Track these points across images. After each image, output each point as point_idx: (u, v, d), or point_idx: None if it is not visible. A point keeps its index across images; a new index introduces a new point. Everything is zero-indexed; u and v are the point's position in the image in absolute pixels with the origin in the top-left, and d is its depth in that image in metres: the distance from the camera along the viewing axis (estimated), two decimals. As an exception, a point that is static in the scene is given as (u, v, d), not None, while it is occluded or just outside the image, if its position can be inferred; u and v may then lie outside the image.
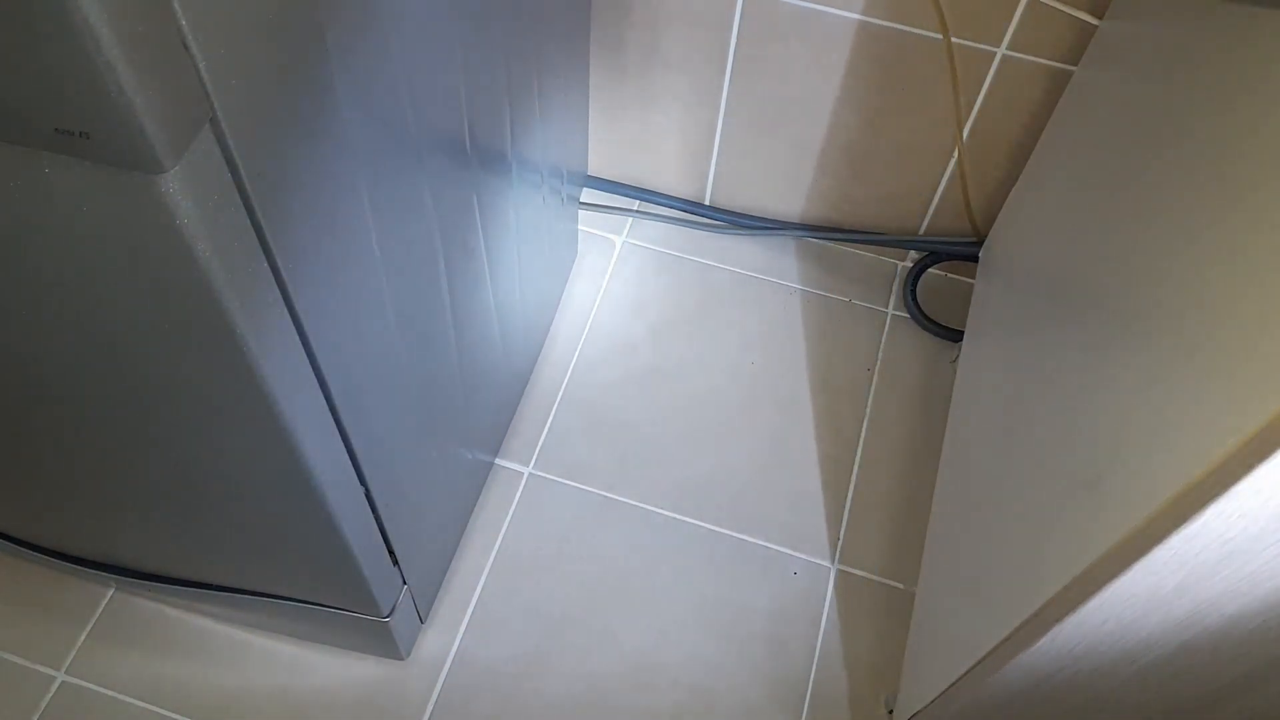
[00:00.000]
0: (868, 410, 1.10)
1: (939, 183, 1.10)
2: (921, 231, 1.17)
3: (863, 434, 1.08)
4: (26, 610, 0.95)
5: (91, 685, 0.92)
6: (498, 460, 1.05)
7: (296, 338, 0.51)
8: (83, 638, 0.94)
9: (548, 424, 1.07)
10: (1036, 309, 0.81)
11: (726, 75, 1.05)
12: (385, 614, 0.81)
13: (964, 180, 1.09)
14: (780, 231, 1.20)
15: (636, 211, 1.23)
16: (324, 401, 0.56)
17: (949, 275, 1.20)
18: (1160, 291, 0.55)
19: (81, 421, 0.58)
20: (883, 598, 0.99)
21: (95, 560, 0.83)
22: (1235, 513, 0.43)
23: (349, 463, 0.63)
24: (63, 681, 0.92)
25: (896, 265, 1.21)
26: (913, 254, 1.21)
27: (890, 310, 1.17)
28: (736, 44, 1.01)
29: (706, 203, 1.22)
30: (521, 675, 0.93)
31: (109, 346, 0.49)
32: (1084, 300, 0.68)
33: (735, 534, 1.02)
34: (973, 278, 1.18)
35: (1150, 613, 0.51)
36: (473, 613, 0.96)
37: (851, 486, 1.05)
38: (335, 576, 0.74)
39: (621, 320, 1.15)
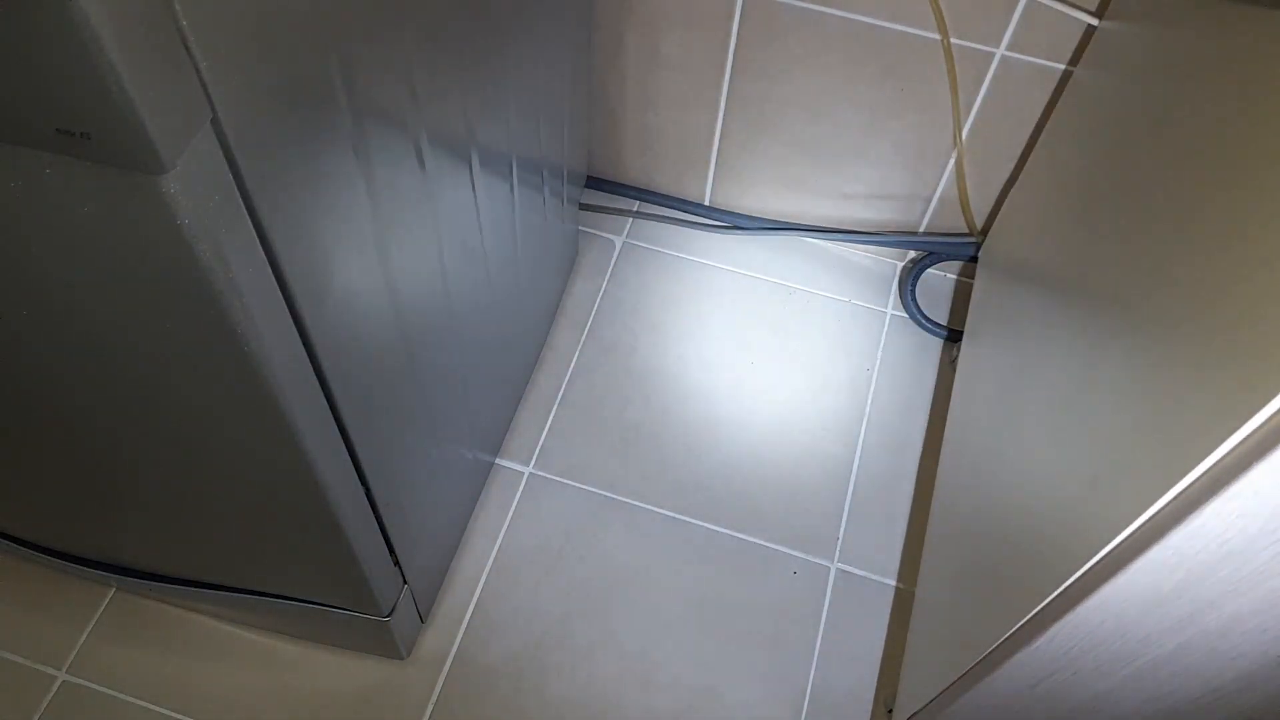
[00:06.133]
0: (868, 410, 1.10)
1: (939, 183, 1.10)
2: (921, 231, 1.17)
3: (862, 434, 1.08)
4: (27, 610, 0.95)
5: (92, 685, 0.92)
6: (498, 460, 1.05)
7: (298, 337, 0.51)
8: (84, 637, 0.94)
9: (548, 424, 1.08)
10: (1036, 309, 0.81)
11: (726, 75, 1.05)
12: (385, 614, 0.81)
13: (963, 180, 1.09)
14: (780, 231, 1.20)
15: (636, 212, 1.23)
16: (325, 401, 0.56)
17: (949, 275, 1.20)
18: (1159, 291, 0.55)
19: (82, 421, 0.58)
20: (883, 598, 0.99)
21: (96, 560, 0.83)
22: (1233, 512, 0.43)
23: (350, 462, 0.63)
24: (64, 681, 0.92)
25: (896, 265, 1.21)
26: (912, 254, 1.21)
27: (890, 310, 1.17)
28: (736, 44, 1.01)
29: (706, 203, 1.22)
30: (521, 675, 0.94)
31: (109, 346, 0.49)
32: (1083, 300, 0.68)
33: (735, 534, 1.02)
34: (973, 278, 1.18)
35: (1149, 612, 0.51)
36: (473, 613, 0.96)
37: (851, 486, 1.05)
38: (336, 576, 0.74)
39: (621, 320, 1.15)
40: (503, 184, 0.78)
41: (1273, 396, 0.40)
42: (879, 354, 1.14)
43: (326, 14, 0.44)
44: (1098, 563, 0.51)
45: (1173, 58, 0.67)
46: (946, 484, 0.95)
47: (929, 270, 1.20)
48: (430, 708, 0.92)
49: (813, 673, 0.95)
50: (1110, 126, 0.76)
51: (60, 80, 0.33)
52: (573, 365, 1.12)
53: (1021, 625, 0.59)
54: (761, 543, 1.01)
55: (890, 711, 0.92)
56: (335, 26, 0.45)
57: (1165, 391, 0.50)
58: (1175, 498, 0.45)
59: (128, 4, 0.32)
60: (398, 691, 0.92)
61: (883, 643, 0.97)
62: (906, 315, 1.17)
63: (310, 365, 0.53)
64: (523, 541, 1.00)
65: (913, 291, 1.17)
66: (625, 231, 1.22)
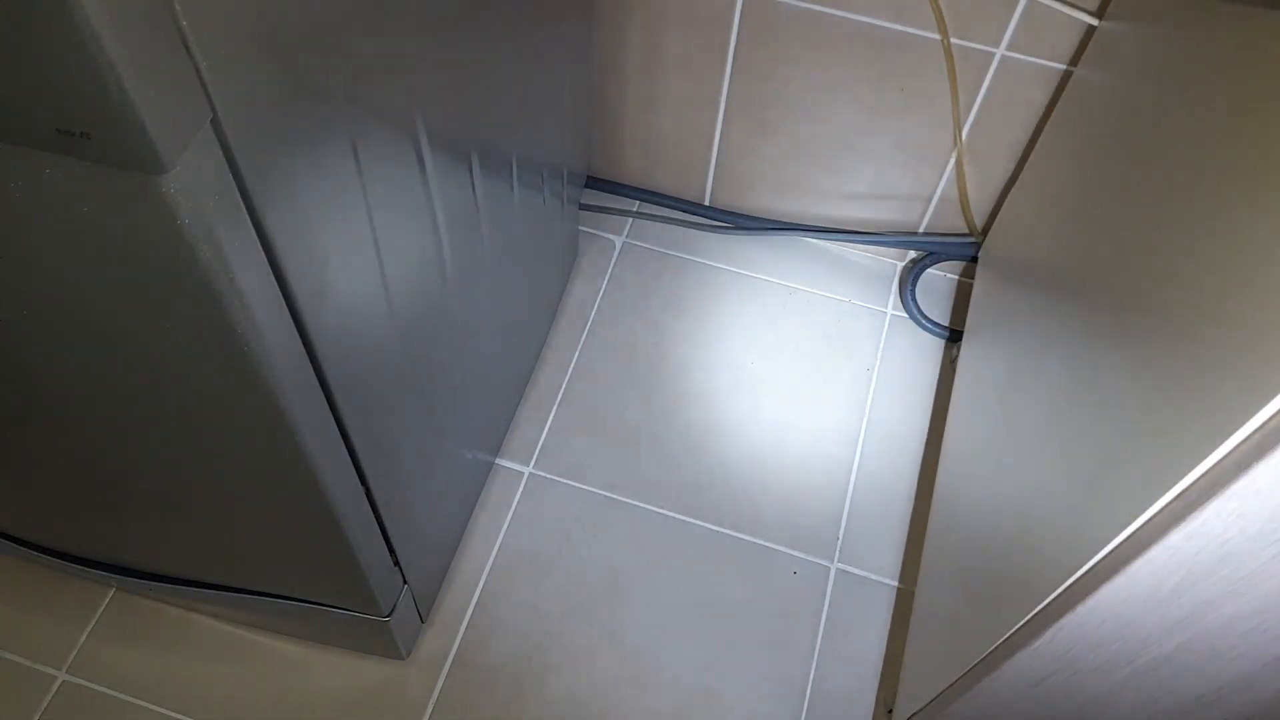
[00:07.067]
0: (868, 410, 1.10)
1: (939, 183, 1.10)
2: (921, 231, 1.17)
3: (862, 434, 1.08)
4: (28, 610, 0.95)
5: (92, 685, 0.92)
6: (498, 460, 1.05)
7: (298, 337, 0.51)
8: (84, 637, 0.94)
9: (548, 424, 1.08)
10: (1036, 309, 0.81)
11: (726, 75, 1.05)
12: (385, 614, 0.81)
13: (963, 180, 1.09)
14: (780, 231, 1.20)
15: (636, 212, 1.23)
16: (325, 401, 0.56)
17: (949, 275, 1.20)
18: (1159, 291, 0.55)
19: (82, 421, 0.58)
20: (883, 598, 0.99)
21: (96, 560, 0.83)
22: (1233, 512, 0.43)
23: (350, 462, 0.63)
24: (64, 681, 0.92)
25: (896, 265, 1.21)
26: (912, 254, 1.21)
27: (890, 310, 1.17)
28: (736, 44, 1.01)
29: (706, 203, 1.22)
30: (521, 675, 0.94)
31: (109, 346, 0.49)
32: (1083, 300, 0.68)
33: (735, 534, 1.02)
34: (973, 278, 1.18)
35: (1149, 613, 0.51)
36: (473, 613, 0.96)
37: (851, 486, 1.05)
38: (336, 576, 0.74)
39: (621, 320, 1.15)
40: (503, 184, 0.78)
41: (1273, 396, 0.40)
42: (879, 354, 1.14)
43: (327, 14, 0.44)
44: (1098, 563, 0.51)
45: (1173, 58, 0.67)
46: (946, 484, 0.95)
47: (929, 270, 1.20)
48: (430, 708, 0.92)
49: (813, 673, 0.95)
50: (1110, 126, 0.76)
51: (60, 80, 0.33)
52: (573, 365, 1.12)
53: (1021, 625, 0.59)
54: (761, 543, 1.01)
55: (890, 712, 0.92)
56: (335, 26, 0.45)
57: (1165, 391, 0.50)
58: (1175, 498, 0.45)
59: (128, 4, 0.32)
60: (398, 691, 0.92)
61: (883, 643, 0.97)
62: (906, 315, 1.17)
63: (310, 365, 0.53)
64: (523, 541, 1.00)
65: (913, 291, 1.17)
66: (625, 231, 1.22)
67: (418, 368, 0.70)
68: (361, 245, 0.55)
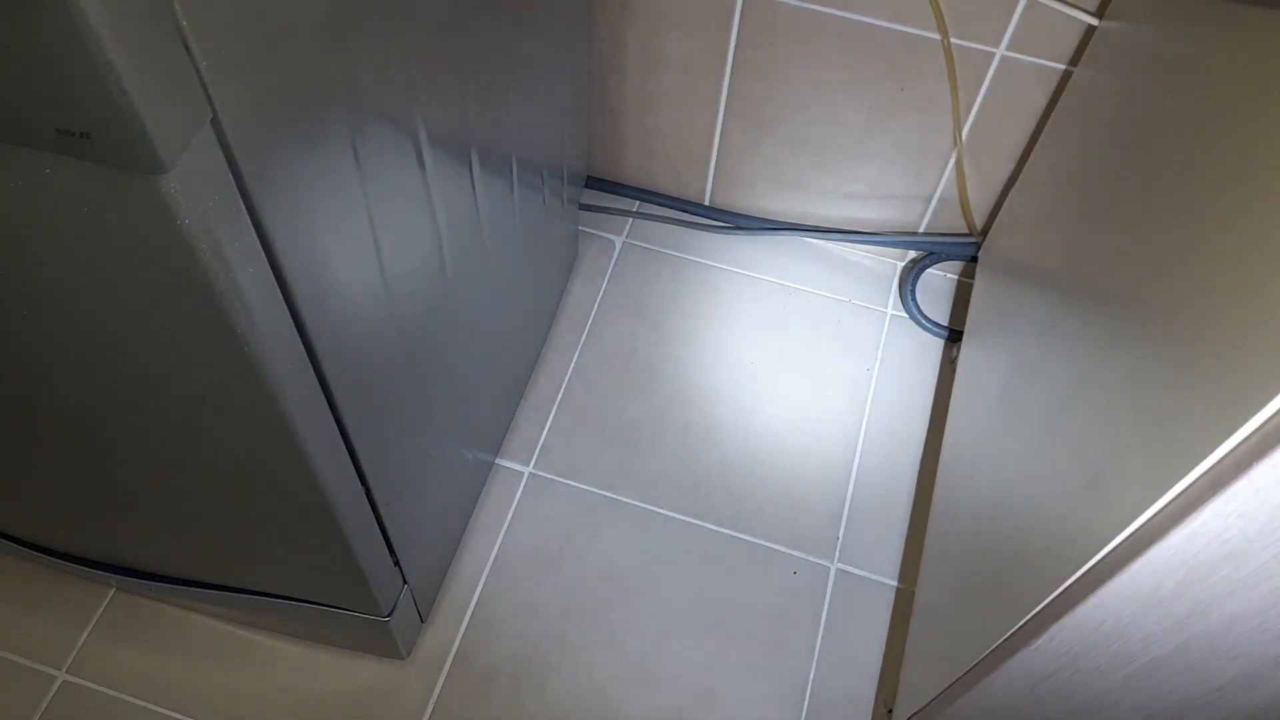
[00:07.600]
0: (868, 410, 1.10)
1: (939, 183, 1.10)
2: (921, 231, 1.17)
3: (862, 434, 1.08)
4: (28, 610, 0.95)
5: (92, 685, 0.92)
6: (498, 460, 1.05)
7: (298, 337, 0.51)
8: (84, 637, 0.94)
9: (548, 424, 1.08)
10: (1036, 309, 0.81)
11: (726, 75, 1.05)
12: (385, 613, 0.81)
13: (963, 180, 1.09)
14: (780, 231, 1.20)
15: (636, 212, 1.23)
16: (325, 401, 0.56)
17: (949, 275, 1.20)
18: (1159, 291, 0.55)
19: (83, 421, 0.58)
20: (883, 598, 0.99)
21: (96, 560, 0.83)
22: (1234, 512, 0.43)
23: (350, 462, 0.63)
24: (64, 681, 0.92)
25: (896, 265, 1.21)
26: (912, 254, 1.21)
27: (890, 310, 1.17)
28: (736, 44, 1.01)
29: (706, 203, 1.22)
30: (522, 675, 0.94)
31: (110, 346, 0.49)
32: (1083, 299, 0.68)
33: (735, 534, 1.02)
34: (973, 278, 1.18)
35: (1149, 612, 0.51)
36: (473, 613, 0.96)
37: (851, 486, 1.05)
38: (336, 576, 0.74)
39: (621, 320, 1.15)
40: (503, 184, 0.78)
41: (1273, 396, 0.40)
42: (879, 354, 1.14)
43: (326, 14, 0.44)
44: (1098, 562, 0.51)
45: (1173, 58, 0.67)
46: (946, 484, 0.95)
47: (929, 270, 1.20)
48: (430, 708, 0.92)
49: (813, 673, 0.95)
50: (1110, 126, 0.76)
51: (60, 80, 0.33)
52: (573, 365, 1.12)
53: (1021, 625, 0.59)
54: (761, 543, 1.01)
55: (890, 711, 0.92)
56: (335, 26, 0.45)
57: (1165, 391, 0.50)
58: (1175, 498, 0.45)
59: (128, 4, 0.32)
60: (398, 691, 0.92)
61: (883, 643, 0.97)
62: (906, 315, 1.17)
63: (310, 365, 0.53)
64: (523, 541, 1.00)
65: (913, 291, 1.17)
66: (625, 231, 1.22)
67: (418, 368, 0.70)
68: (361, 245, 0.55)
